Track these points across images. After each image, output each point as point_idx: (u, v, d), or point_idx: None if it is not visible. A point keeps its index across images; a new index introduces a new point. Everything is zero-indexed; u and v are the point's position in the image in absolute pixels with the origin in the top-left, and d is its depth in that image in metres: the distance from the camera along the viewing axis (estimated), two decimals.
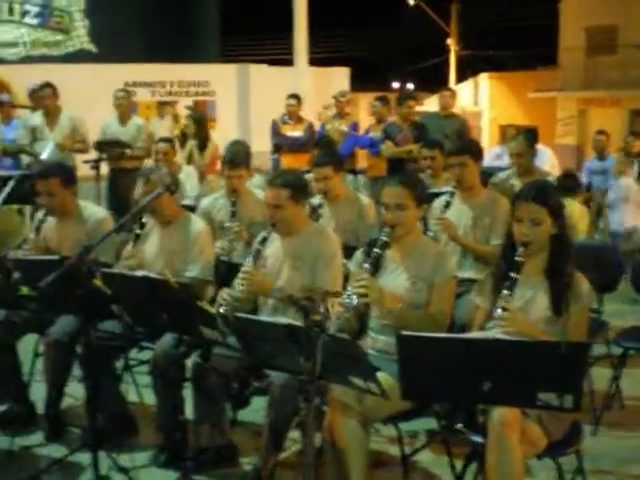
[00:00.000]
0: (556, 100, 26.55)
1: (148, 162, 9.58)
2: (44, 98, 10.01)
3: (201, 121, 10.21)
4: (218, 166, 9.05)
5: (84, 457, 4.67)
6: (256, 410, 5.14)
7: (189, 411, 4.85)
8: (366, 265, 4.21)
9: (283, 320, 3.38)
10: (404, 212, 4.30)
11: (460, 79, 32.40)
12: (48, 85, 10.08)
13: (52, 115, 10.01)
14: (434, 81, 15.21)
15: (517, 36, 29.68)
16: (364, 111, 18.72)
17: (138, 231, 5.34)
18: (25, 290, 4.73)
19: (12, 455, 5.02)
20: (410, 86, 30.50)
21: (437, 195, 6.04)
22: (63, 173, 5.62)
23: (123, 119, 10.40)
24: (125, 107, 10.48)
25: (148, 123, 11.35)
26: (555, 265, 3.89)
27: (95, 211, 5.79)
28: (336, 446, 3.95)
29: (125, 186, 8.94)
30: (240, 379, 4.89)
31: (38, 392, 5.45)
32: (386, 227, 4.31)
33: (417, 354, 3.10)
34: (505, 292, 3.74)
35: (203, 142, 9.87)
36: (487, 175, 7.09)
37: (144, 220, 5.36)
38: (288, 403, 4.29)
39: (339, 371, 3.38)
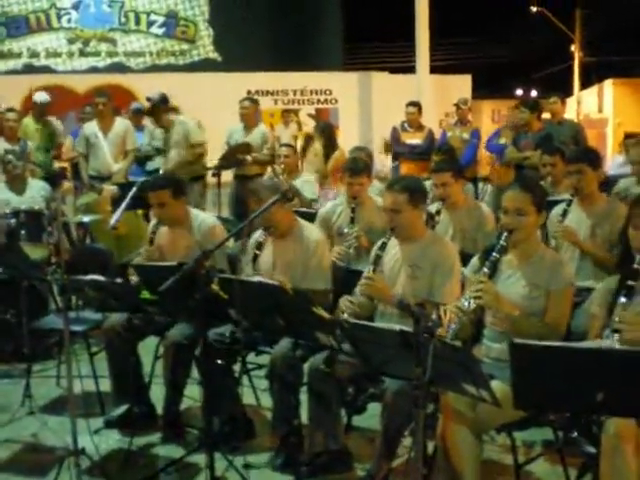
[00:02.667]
0: None
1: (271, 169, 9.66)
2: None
3: (326, 129, 10.22)
4: None
5: (201, 458, 4.75)
6: (372, 416, 5.15)
7: (305, 415, 4.88)
8: (484, 269, 4.17)
9: (396, 326, 3.38)
10: (524, 217, 4.24)
11: (584, 85, 31.77)
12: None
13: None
14: (558, 88, 14.95)
15: None
16: (487, 118, 18.57)
17: (256, 252, 5.42)
18: (146, 294, 4.84)
19: (130, 455, 5.12)
20: (533, 93, 30.02)
21: (556, 203, 5.94)
22: (173, 185, 5.76)
23: (248, 127, 10.50)
24: (250, 115, 10.58)
25: (272, 131, 11.48)
26: None
27: (205, 219, 5.91)
28: (448, 453, 3.93)
29: (248, 192, 9.11)
30: (355, 385, 4.90)
31: (157, 394, 5.57)
32: (505, 232, 4.26)
33: (530, 363, 3.05)
34: (622, 300, 3.65)
35: (329, 150, 9.86)
36: (611, 183, 6.95)
37: (259, 238, 5.43)
38: (402, 410, 4.26)
39: (451, 378, 3.36)
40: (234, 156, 10.10)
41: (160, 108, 9.89)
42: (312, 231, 5.47)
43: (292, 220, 5.48)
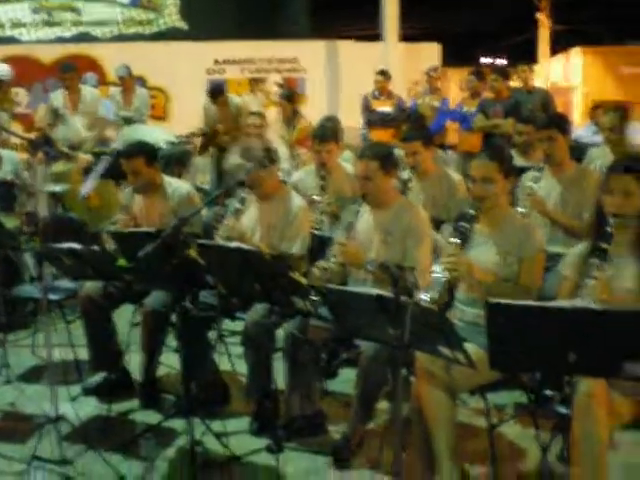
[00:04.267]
0: None
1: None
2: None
3: (290, 98, 10.25)
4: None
5: (178, 423, 4.86)
6: (345, 381, 5.22)
7: (280, 381, 4.95)
8: (455, 239, 4.22)
9: (373, 290, 3.44)
10: (492, 185, 4.30)
11: (551, 54, 31.86)
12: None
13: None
14: (525, 56, 15.01)
15: (612, 9, 29.01)
16: (455, 86, 18.57)
17: (238, 205, 5.45)
18: (122, 262, 4.87)
19: (109, 421, 5.21)
20: (500, 61, 30.04)
21: (526, 169, 6.01)
22: (146, 152, 5.77)
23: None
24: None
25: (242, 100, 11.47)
26: None
27: (180, 186, 5.93)
28: (423, 415, 4.00)
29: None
30: (329, 350, 4.97)
31: (134, 361, 5.60)
32: (474, 200, 4.33)
33: (505, 322, 3.10)
34: (596, 261, 3.74)
35: (291, 118, 9.90)
36: (579, 150, 7.03)
37: (243, 195, 5.47)
38: (377, 373, 4.36)
39: (427, 341, 3.42)
40: (208, 141, 10.19)
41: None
42: (296, 198, 5.51)
43: (277, 183, 5.53)
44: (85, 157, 8.91)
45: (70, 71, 9.98)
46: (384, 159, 4.84)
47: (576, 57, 28.64)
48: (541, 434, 4.31)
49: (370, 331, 3.67)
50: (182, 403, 4.70)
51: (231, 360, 5.72)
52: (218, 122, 10.24)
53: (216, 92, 10.40)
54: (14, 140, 10.07)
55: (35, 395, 5.49)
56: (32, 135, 9.93)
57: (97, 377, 5.59)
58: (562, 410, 3.71)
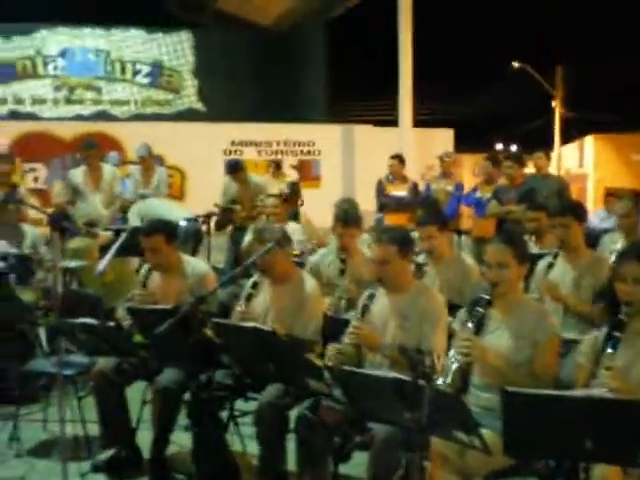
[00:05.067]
0: None
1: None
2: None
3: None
4: None
5: None
6: (357, 465, 5.17)
7: (292, 462, 4.91)
8: (469, 324, 4.24)
9: (391, 374, 3.44)
10: (506, 270, 4.32)
11: (565, 141, 32.13)
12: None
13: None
14: (538, 143, 15.18)
15: (622, 97, 29.34)
16: (468, 172, 18.77)
17: (250, 290, 5.48)
18: (138, 337, 4.89)
19: None
20: (514, 148, 30.33)
21: (541, 257, 6.05)
22: (166, 230, 5.83)
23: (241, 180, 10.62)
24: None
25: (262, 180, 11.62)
26: None
27: (198, 265, 5.98)
28: None
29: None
30: (342, 433, 4.94)
31: (145, 439, 5.57)
32: (488, 285, 4.35)
33: (521, 410, 3.11)
34: (609, 351, 3.74)
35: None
36: (593, 237, 7.07)
37: (256, 279, 5.50)
38: (390, 457, 4.30)
39: (443, 425, 3.41)
40: (225, 218, 10.28)
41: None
42: (309, 281, 5.53)
43: (290, 267, 5.56)
44: (105, 234, 9.01)
45: (93, 148, 10.14)
46: (401, 243, 4.86)
47: (589, 144, 28.90)
48: None
49: (385, 414, 3.67)
50: None
51: (242, 440, 5.69)
52: (237, 200, 10.34)
53: (234, 167, 10.52)
54: (32, 215, 10.16)
55: (45, 470, 5.47)
56: (50, 210, 10.06)
57: (107, 454, 5.55)
58: None
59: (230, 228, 10.52)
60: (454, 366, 4.06)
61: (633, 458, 3.07)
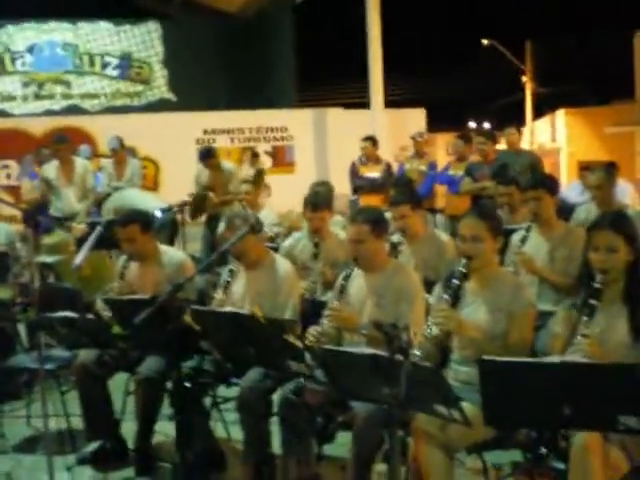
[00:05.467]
0: (635, 134, 26.24)
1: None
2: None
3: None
4: None
5: None
6: (341, 445, 5.21)
7: (277, 445, 4.94)
8: (445, 296, 4.27)
9: (368, 350, 3.47)
10: (481, 244, 4.34)
11: (537, 116, 32.25)
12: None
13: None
14: (511, 119, 15.23)
15: (592, 71, 29.47)
16: (441, 150, 18.79)
17: (227, 278, 5.50)
18: (117, 329, 4.90)
19: None
20: (487, 125, 30.40)
21: (514, 231, 6.09)
22: (142, 219, 5.84)
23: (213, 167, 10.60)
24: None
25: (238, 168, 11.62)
26: (632, 291, 3.92)
27: (175, 254, 6.01)
28: (421, 476, 4.00)
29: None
30: (325, 413, 4.98)
31: (129, 430, 5.59)
32: (463, 259, 4.38)
33: (498, 379, 3.15)
34: (585, 319, 3.79)
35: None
36: (567, 209, 7.13)
37: (232, 267, 5.52)
38: (372, 435, 4.34)
39: (423, 399, 3.44)
40: (199, 206, 10.26)
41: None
42: (283, 263, 5.56)
43: (263, 251, 5.58)
44: (80, 227, 9.00)
45: (63, 142, 10.10)
46: (375, 223, 4.89)
47: (560, 118, 29.00)
48: None
49: (365, 391, 3.69)
50: (178, 471, 4.69)
51: (226, 427, 5.71)
52: (210, 187, 10.33)
53: (207, 154, 10.51)
54: (6, 212, 10.17)
55: (31, 465, 5.48)
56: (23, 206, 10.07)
57: (92, 446, 5.55)
58: (559, 466, 3.71)
59: (204, 217, 10.51)
60: (432, 335, 4.11)
61: (613, 423, 3.10)
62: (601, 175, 6.93)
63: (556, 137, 29.84)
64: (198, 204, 10.29)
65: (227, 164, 11.00)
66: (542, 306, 5.33)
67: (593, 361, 3.45)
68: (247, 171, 12.91)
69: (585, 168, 12.78)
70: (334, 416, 4.96)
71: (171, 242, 9.50)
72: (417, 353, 3.94)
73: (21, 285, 7.21)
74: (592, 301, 3.83)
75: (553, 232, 5.88)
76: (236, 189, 10.13)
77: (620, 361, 3.72)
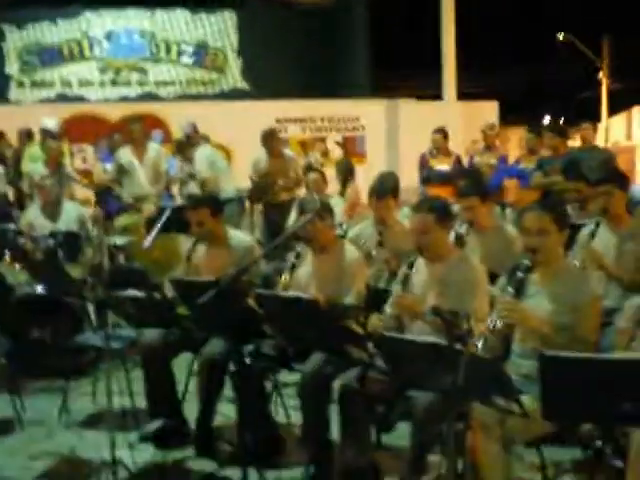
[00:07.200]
0: None
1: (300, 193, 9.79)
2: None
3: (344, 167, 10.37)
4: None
5: (233, 473, 4.90)
6: (401, 435, 5.21)
7: (335, 432, 4.97)
8: (509, 289, 4.25)
9: (429, 338, 3.47)
10: (546, 237, 4.31)
11: (612, 113, 31.74)
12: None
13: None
14: (586, 115, 14.98)
15: None
16: (514, 145, 18.60)
17: (293, 260, 5.54)
18: (182, 310, 4.97)
19: (165, 469, 5.29)
20: (561, 120, 30.03)
21: (582, 226, 6.02)
22: (212, 203, 5.92)
23: (274, 154, 10.63)
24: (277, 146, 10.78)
25: (299, 156, 11.63)
26: None
27: (243, 239, 6.06)
28: (478, 468, 3.99)
29: (277, 218, 9.29)
30: (385, 403, 4.98)
31: (191, 410, 5.67)
32: (527, 252, 4.34)
33: (557, 373, 3.13)
34: None
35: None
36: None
37: (299, 249, 5.56)
38: (431, 426, 4.34)
39: (481, 390, 3.44)
40: (260, 188, 10.30)
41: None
42: (351, 250, 5.59)
43: (332, 237, 5.62)
44: (149, 207, 9.14)
45: (137, 123, 10.30)
46: (440, 212, 4.88)
47: (637, 115, 28.49)
48: None
49: (425, 380, 3.70)
50: (238, 452, 4.74)
51: (287, 411, 5.76)
52: (268, 174, 10.34)
53: (267, 135, 10.53)
54: (80, 194, 10.34)
55: (94, 441, 5.57)
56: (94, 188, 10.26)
57: (154, 425, 5.63)
58: (618, 463, 3.68)
59: (262, 205, 10.55)
60: (496, 327, 4.08)
61: None
62: None
63: (632, 134, 29.34)
64: (261, 189, 10.31)
65: (287, 151, 11.02)
66: (609, 303, 5.26)
67: None
68: (317, 160, 12.94)
69: None
70: (394, 405, 4.97)
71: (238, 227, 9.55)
72: (479, 344, 3.93)
73: (92, 265, 7.34)
74: None
75: (622, 227, 5.80)
76: (299, 177, 10.16)
77: None
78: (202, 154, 10.72)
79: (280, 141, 10.83)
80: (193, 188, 10.29)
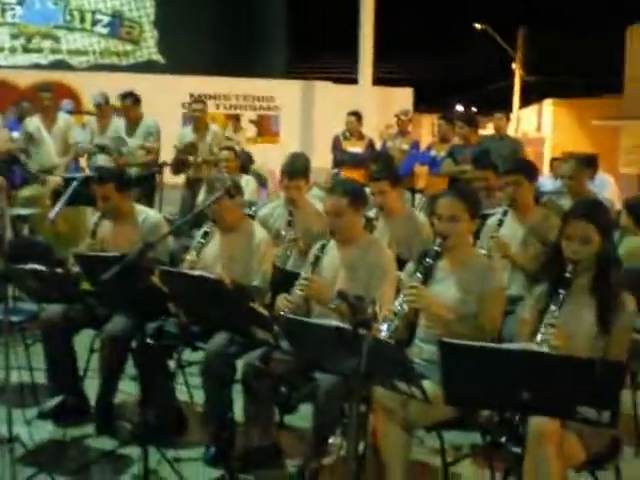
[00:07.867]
0: (620, 129, 26.27)
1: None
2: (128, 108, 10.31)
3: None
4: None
5: (133, 451, 4.82)
6: (303, 416, 5.22)
7: (238, 412, 4.95)
8: (417, 274, 4.27)
9: (333, 322, 3.47)
10: (457, 224, 4.34)
11: (524, 104, 32.27)
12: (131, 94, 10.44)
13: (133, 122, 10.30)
14: (498, 105, 15.19)
15: (582, 63, 29.48)
16: (426, 132, 18.80)
17: (201, 240, 5.48)
18: (86, 285, 4.88)
19: (64, 446, 5.18)
20: (473, 109, 30.42)
21: (489, 215, 6.09)
22: (118, 178, 5.82)
23: (199, 128, 10.55)
24: (203, 118, 10.73)
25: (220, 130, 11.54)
26: (601, 283, 3.93)
27: (150, 215, 5.97)
28: (379, 451, 4.02)
29: (195, 193, 9.20)
30: (289, 384, 4.98)
31: (92, 387, 5.58)
32: (438, 238, 4.38)
33: (457, 361, 3.17)
34: (552, 307, 3.80)
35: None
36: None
37: (206, 229, 5.50)
38: (333, 408, 4.38)
39: (384, 374, 3.46)
40: (182, 160, 10.17)
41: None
42: (259, 231, 5.55)
43: (240, 216, 5.57)
44: (55, 179, 8.94)
45: (47, 92, 10.06)
46: (354, 196, 4.88)
47: (547, 108, 29.02)
48: (496, 474, 4.32)
49: (329, 363, 3.71)
50: (139, 430, 4.68)
51: (189, 390, 5.71)
52: (193, 146, 10.24)
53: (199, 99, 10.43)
54: None
55: None
56: None
57: (54, 401, 5.53)
58: (516, 450, 3.73)
59: (184, 179, 10.45)
60: (401, 313, 4.11)
61: (570, 412, 3.14)
62: (573, 165, 6.96)
63: (541, 127, 29.89)
64: (183, 160, 10.20)
65: (214, 126, 10.94)
66: (513, 291, 5.34)
67: (552, 352, 3.46)
68: (232, 137, 12.86)
69: (555, 159, 12.95)
70: (298, 387, 4.98)
71: (150, 203, 9.42)
72: (383, 328, 3.95)
73: None
74: (561, 290, 3.84)
75: (529, 218, 5.88)
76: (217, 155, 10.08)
77: (585, 352, 3.76)
78: (146, 124, 10.51)
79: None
80: (102, 160, 10.09)
